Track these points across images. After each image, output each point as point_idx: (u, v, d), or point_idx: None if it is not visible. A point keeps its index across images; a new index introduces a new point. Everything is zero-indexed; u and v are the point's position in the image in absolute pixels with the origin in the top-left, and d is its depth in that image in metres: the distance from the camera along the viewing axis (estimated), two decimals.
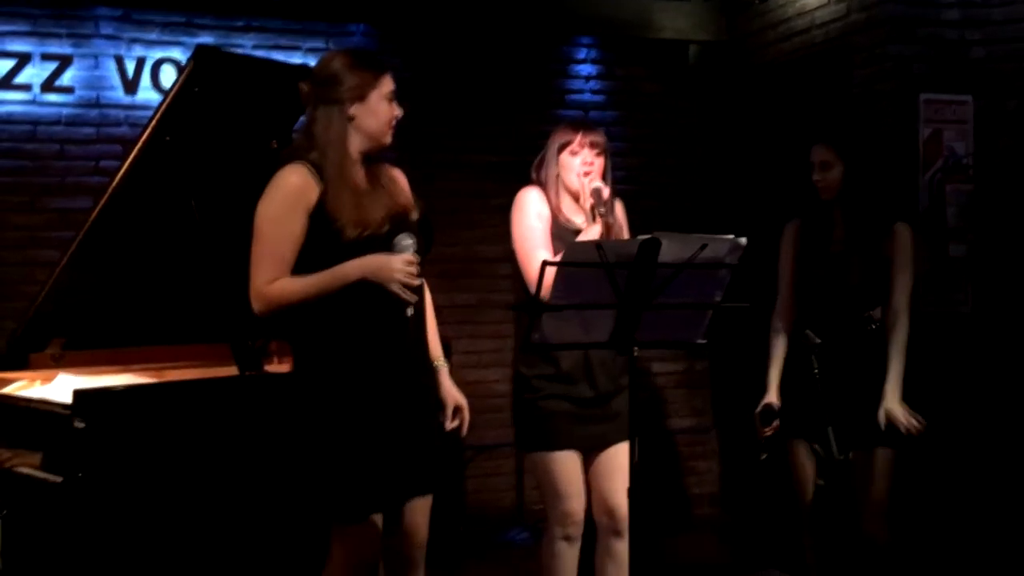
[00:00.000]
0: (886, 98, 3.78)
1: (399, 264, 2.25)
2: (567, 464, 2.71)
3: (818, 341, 2.64)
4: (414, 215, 2.42)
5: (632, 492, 2.34)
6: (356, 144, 2.34)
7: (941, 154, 3.77)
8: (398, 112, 2.39)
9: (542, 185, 2.79)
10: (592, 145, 2.73)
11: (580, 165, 2.73)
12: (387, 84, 2.37)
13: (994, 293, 3.74)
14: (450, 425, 2.50)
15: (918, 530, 3.43)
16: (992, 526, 3.56)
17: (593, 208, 2.68)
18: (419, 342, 2.43)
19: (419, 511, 2.44)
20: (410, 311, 2.31)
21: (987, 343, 3.71)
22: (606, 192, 2.71)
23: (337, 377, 2.29)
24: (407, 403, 2.36)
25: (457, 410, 2.54)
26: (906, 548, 3.11)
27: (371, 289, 2.26)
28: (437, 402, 2.49)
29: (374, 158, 2.40)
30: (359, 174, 2.35)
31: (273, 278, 2.25)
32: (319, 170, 2.28)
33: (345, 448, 2.27)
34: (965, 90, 3.78)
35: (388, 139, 2.39)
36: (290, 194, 2.27)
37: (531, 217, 2.74)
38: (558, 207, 2.76)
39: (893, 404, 2.83)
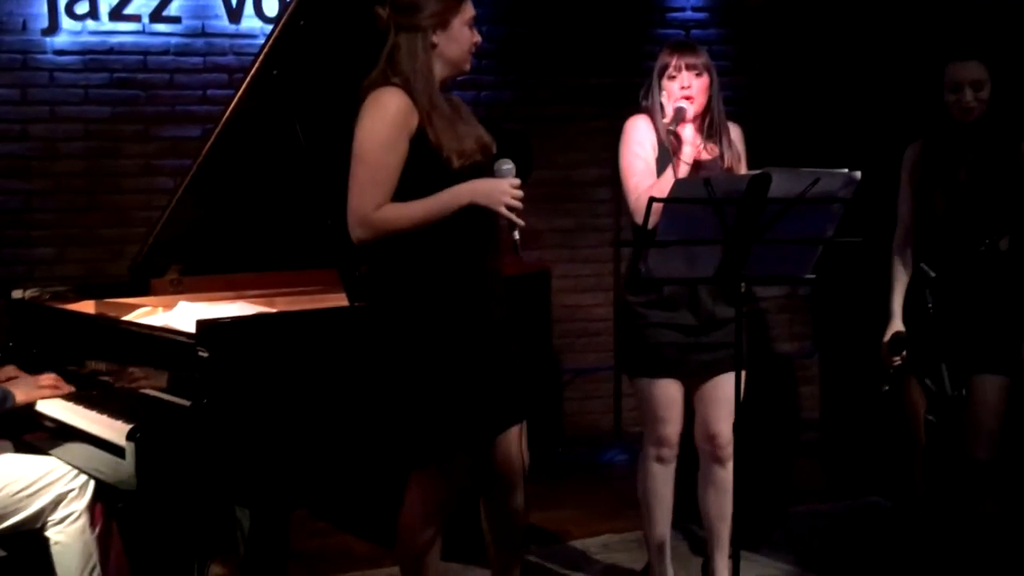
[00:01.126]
0: None
1: (507, 187, 2.26)
2: (667, 390, 2.73)
3: (933, 275, 2.56)
4: (493, 144, 2.40)
5: (736, 420, 2.35)
6: (438, 72, 2.32)
7: None
8: (477, 39, 2.36)
9: (649, 112, 2.75)
10: (688, 67, 2.67)
11: (679, 89, 2.68)
12: (468, 10, 2.33)
13: None
14: None
15: None
16: None
17: (668, 126, 2.67)
18: (499, 268, 2.43)
19: (513, 439, 2.49)
20: (517, 235, 2.30)
21: None
22: (690, 113, 2.67)
23: (442, 308, 2.31)
24: (500, 334, 2.39)
25: None
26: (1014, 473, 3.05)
27: (476, 215, 2.27)
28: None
29: (447, 87, 2.37)
30: (445, 103, 2.34)
31: (380, 204, 2.23)
32: (412, 96, 2.26)
33: (445, 387, 2.31)
34: None
35: (468, 66, 2.37)
36: (396, 118, 2.24)
37: (635, 146, 2.71)
38: (665, 134, 2.73)
39: None
